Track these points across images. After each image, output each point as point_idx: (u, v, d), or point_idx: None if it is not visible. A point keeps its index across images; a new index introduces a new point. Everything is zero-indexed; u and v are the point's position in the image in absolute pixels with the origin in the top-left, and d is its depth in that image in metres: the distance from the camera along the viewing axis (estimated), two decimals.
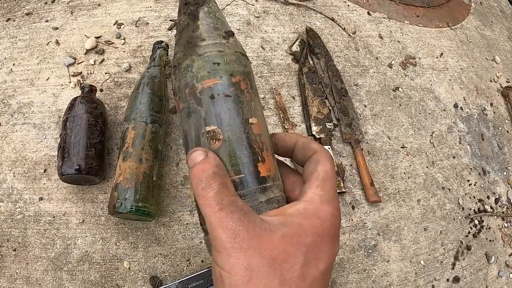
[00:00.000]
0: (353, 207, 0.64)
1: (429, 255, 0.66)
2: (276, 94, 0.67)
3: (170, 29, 0.73)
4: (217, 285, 0.22)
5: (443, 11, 0.92)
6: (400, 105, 0.75)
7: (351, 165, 0.67)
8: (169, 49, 0.67)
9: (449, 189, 0.72)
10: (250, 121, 0.26)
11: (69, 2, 0.76)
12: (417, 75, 0.80)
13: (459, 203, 0.72)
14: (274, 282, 0.20)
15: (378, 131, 0.71)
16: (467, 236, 0.70)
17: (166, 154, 0.62)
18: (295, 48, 0.72)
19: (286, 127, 0.65)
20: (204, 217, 0.22)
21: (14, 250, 0.58)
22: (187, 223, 0.59)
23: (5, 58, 0.72)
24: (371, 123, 0.71)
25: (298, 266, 0.20)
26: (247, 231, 0.20)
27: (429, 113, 0.77)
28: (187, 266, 0.57)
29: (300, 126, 0.67)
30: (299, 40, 0.73)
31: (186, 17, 0.28)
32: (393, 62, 0.79)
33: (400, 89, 0.77)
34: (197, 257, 0.57)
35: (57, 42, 0.72)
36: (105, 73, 0.69)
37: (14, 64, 0.71)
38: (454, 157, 0.75)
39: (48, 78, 0.69)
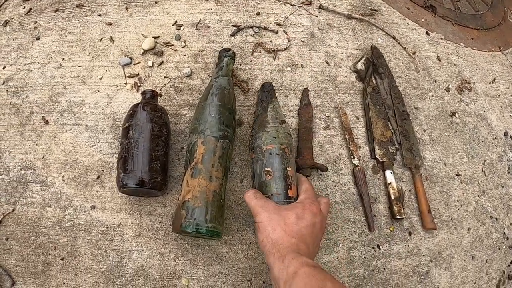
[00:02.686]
0: (410, 233, 0.64)
1: (475, 283, 0.66)
2: (342, 114, 0.65)
3: (232, 35, 0.69)
4: (256, 232, 0.47)
5: (496, 34, 0.91)
6: (456, 131, 0.74)
7: (409, 190, 0.66)
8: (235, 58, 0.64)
9: (496, 219, 0.73)
10: (287, 168, 0.51)
11: None
12: (471, 100, 0.79)
13: (504, 232, 0.72)
14: (281, 222, 0.44)
15: (436, 157, 0.70)
16: (509, 265, 0.71)
17: (231, 170, 0.60)
18: (360, 66, 0.70)
19: (351, 148, 0.63)
20: (248, 207, 0.49)
21: (62, 259, 0.55)
22: (250, 243, 0.57)
23: (53, 51, 0.67)
24: (429, 148, 0.70)
25: (293, 218, 0.44)
26: (268, 204, 0.47)
27: (482, 141, 0.76)
28: (248, 286, 0.55)
29: (363, 148, 0.65)
30: (364, 59, 0.70)
31: (260, 109, 0.58)
32: (450, 86, 0.78)
33: (456, 114, 0.76)
34: (258, 277, 0.55)
35: (111, 39, 0.67)
36: (165, 76, 0.65)
37: (63, 58, 0.66)
38: (502, 187, 0.75)
39: (101, 77, 0.65)
